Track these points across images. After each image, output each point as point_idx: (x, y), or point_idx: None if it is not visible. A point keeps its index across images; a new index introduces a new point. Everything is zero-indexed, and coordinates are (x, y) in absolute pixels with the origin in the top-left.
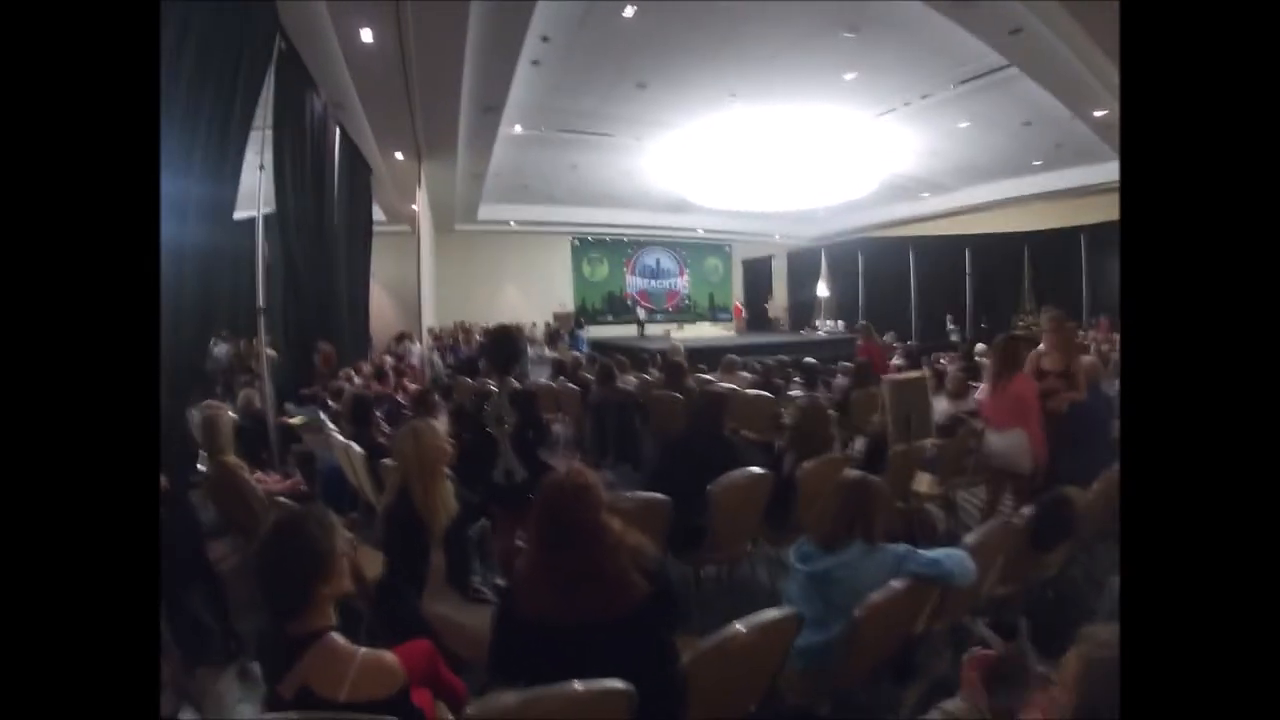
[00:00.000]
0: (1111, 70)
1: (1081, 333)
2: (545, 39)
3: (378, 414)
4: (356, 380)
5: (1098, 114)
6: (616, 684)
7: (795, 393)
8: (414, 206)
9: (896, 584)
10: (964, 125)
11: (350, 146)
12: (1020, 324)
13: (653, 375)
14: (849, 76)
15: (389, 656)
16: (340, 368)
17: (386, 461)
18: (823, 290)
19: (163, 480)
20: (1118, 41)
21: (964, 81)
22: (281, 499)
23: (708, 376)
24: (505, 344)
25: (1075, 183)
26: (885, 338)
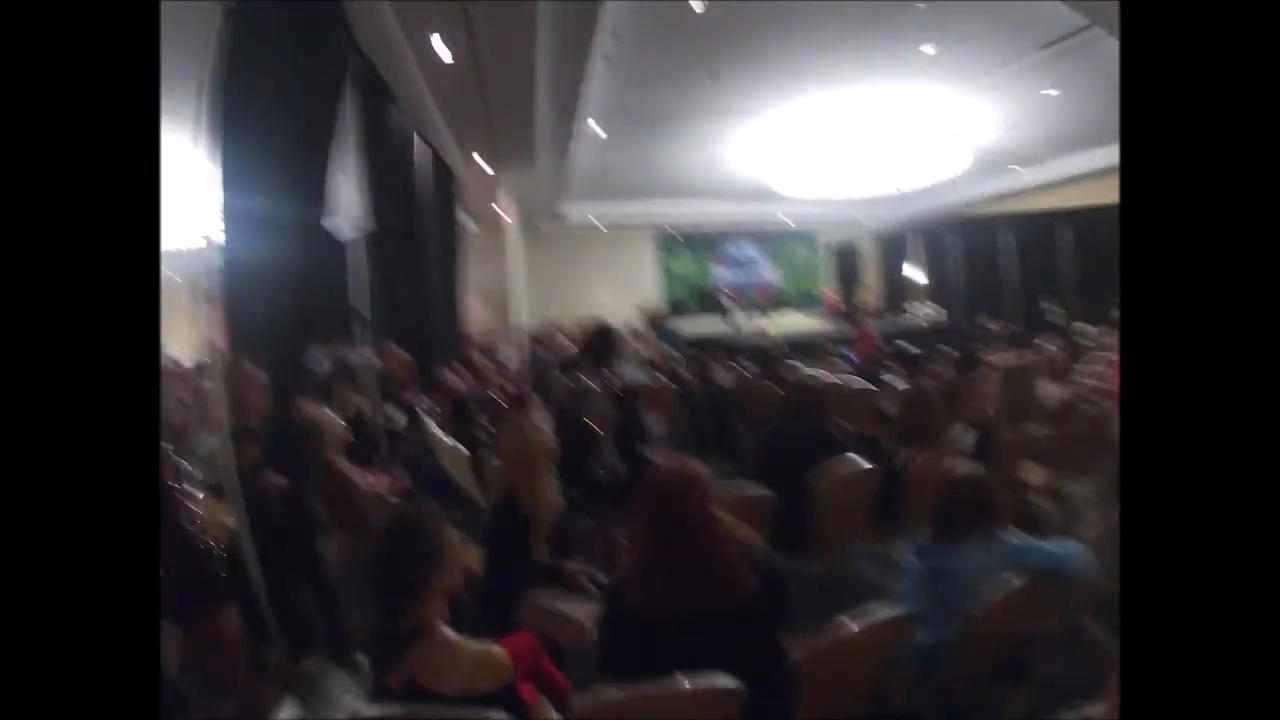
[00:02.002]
0: None
1: None
2: (617, 36)
3: (478, 414)
4: (455, 382)
5: None
6: (726, 681)
7: (886, 378)
8: (498, 210)
9: (1014, 581)
10: (1052, 93)
11: (432, 155)
12: None
13: (747, 368)
14: (926, 49)
15: (497, 650)
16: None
17: (493, 461)
18: (915, 274)
19: (278, 479)
20: None
21: (1046, 45)
22: (389, 498)
23: (804, 368)
24: (604, 342)
25: None
26: (985, 321)
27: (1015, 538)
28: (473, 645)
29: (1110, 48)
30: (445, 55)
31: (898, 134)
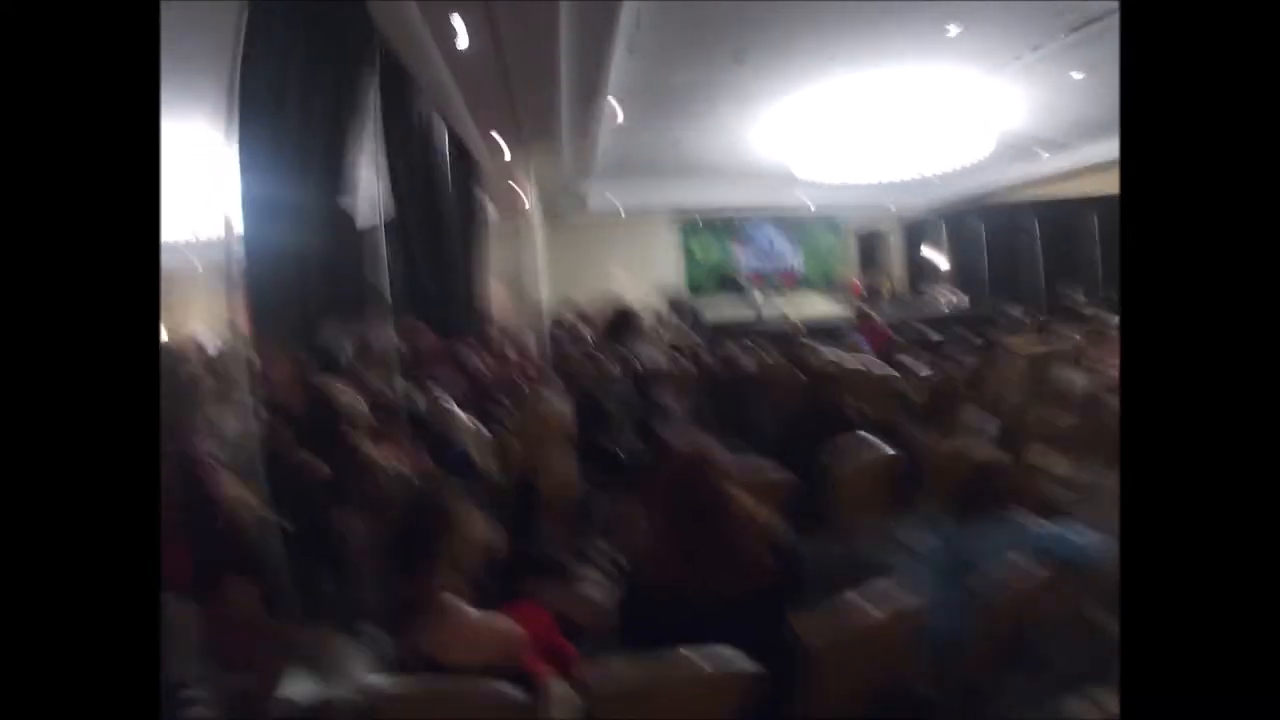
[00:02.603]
0: None
1: None
2: (638, 23)
3: (499, 395)
4: (476, 362)
5: None
6: (744, 663)
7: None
8: (519, 193)
9: (1035, 569)
10: (1079, 76)
11: (457, 143)
12: None
13: (768, 352)
14: (952, 31)
15: (506, 620)
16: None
17: (513, 441)
18: (942, 262)
19: (310, 459)
20: None
21: (1076, 29)
22: (411, 477)
23: (831, 356)
24: (624, 324)
25: None
26: (1008, 308)
27: (1037, 526)
28: (483, 615)
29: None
30: (466, 39)
31: (923, 118)
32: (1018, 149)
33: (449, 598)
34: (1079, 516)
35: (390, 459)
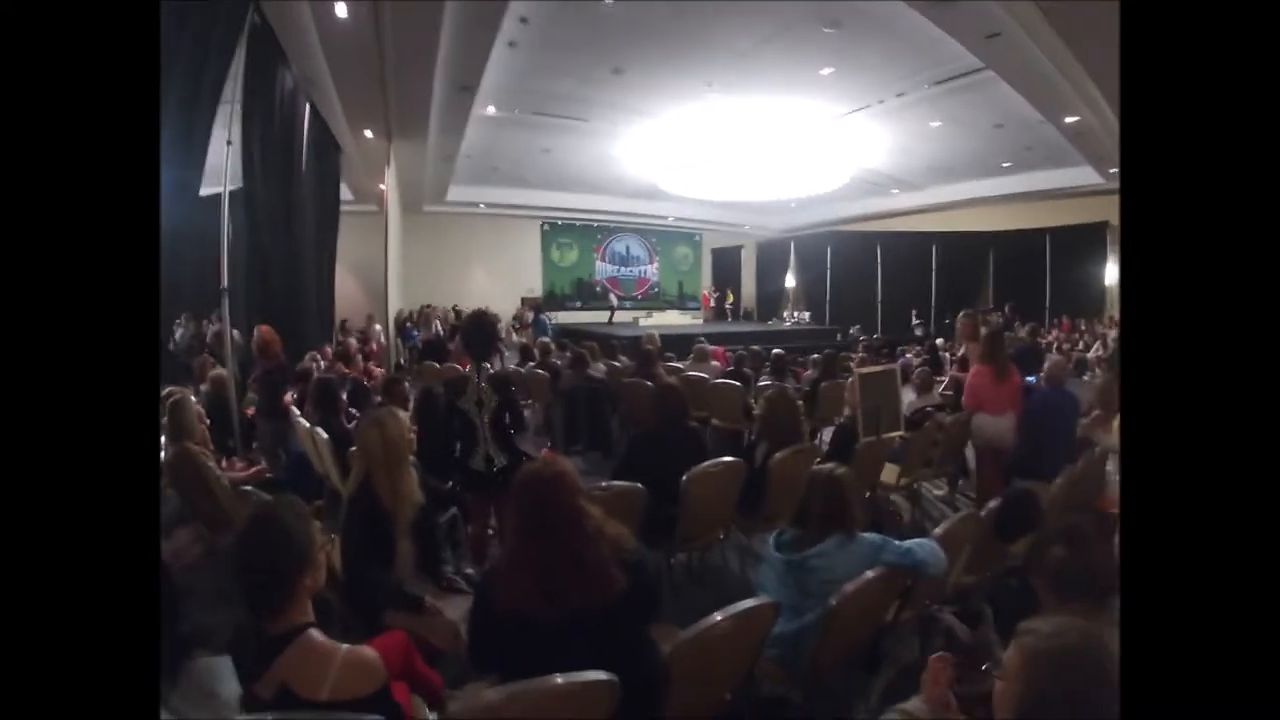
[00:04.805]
0: (1084, 77)
1: (1044, 331)
2: (524, 20)
3: (344, 399)
4: (321, 364)
5: (1068, 120)
6: (598, 676)
7: (764, 383)
8: (382, 187)
9: (870, 573)
10: (936, 125)
11: (320, 124)
12: (986, 322)
13: (622, 362)
14: (826, 71)
15: (370, 653)
16: (304, 350)
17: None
18: (791, 281)
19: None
20: (1093, 48)
21: (939, 82)
22: (247, 488)
23: (678, 365)
24: (483, 330)
25: (1043, 186)
26: (852, 330)
27: (869, 534)
28: (345, 649)
29: (998, 91)
30: (348, 23)
31: (787, 147)
32: (872, 184)
33: (311, 632)
34: (908, 523)
35: (229, 468)
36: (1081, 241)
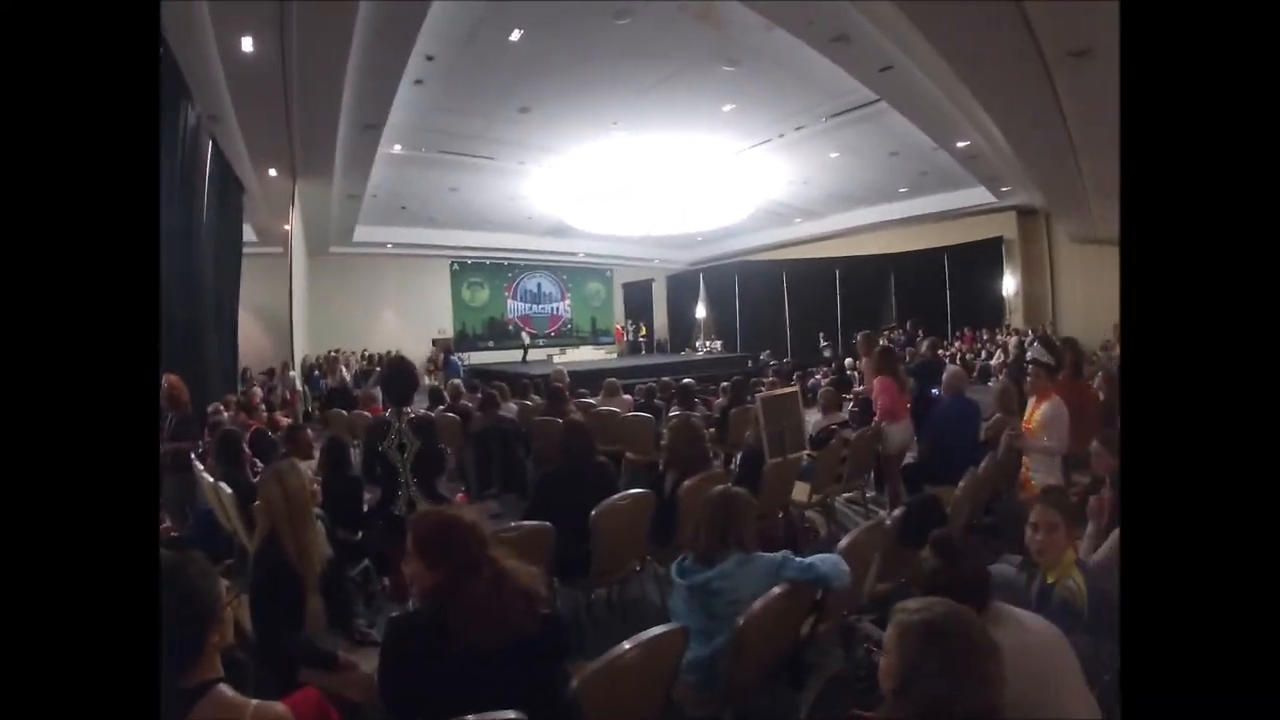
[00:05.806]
0: (973, 103)
1: (946, 343)
2: (430, 58)
3: (248, 451)
4: (226, 414)
5: (960, 144)
6: (508, 715)
7: (674, 413)
8: (287, 227)
9: (775, 590)
10: (834, 155)
11: (222, 161)
12: (889, 339)
13: (534, 401)
14: (727, 108)
15: (281, 709)
16: (206, 400)
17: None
18: (701, 312)
19: None
20: (980, 75)
21: (836, 115)
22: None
23: (590, 400)
24: (403, 374)
25: (938, 208)
26: (762, 356)
27: (768, 553)
28: (255, 705)
29: (892, 120)
30: (253, 58)
31: (691, 181)
32: (776, 215)
33: (221, 688)
34: (825, 537)
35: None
36: (978, 257)
